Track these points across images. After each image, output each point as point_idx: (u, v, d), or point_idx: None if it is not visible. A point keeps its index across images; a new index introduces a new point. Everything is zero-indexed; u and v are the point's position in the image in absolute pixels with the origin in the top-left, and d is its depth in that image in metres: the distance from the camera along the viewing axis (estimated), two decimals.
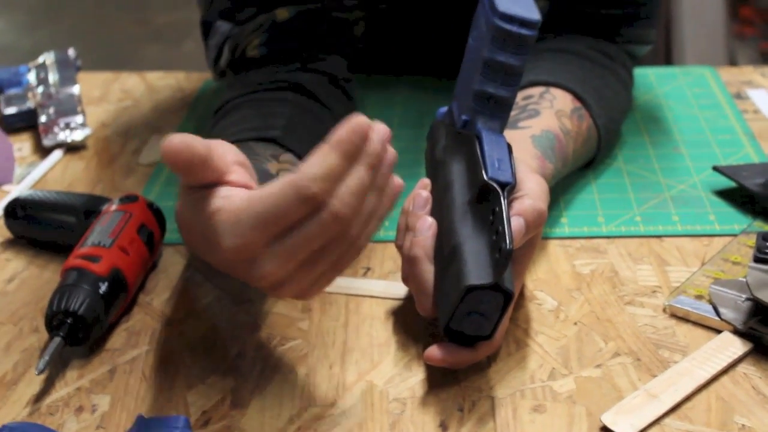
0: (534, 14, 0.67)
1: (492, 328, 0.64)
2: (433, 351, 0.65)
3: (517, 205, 0.65)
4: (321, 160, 0.57)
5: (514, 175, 0.66)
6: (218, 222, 0.59)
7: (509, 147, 0.68)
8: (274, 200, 0.57)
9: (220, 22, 0.91)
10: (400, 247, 0.70)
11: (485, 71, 0.68)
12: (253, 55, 0.91)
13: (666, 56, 2.37)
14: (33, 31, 3.70)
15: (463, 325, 0.64)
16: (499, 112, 0.69)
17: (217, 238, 0.59)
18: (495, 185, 0.64)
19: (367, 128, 0.58)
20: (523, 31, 0.67)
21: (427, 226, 0.68)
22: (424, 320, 0.72)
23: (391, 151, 0.61)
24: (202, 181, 0.61)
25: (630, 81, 0.94)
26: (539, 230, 0.67)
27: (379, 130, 0.59)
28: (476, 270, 0.62)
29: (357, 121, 0.58)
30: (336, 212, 0.57)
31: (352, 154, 0.57)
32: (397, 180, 0.62)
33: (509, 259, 0.59)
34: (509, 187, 0.64)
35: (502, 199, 0.63)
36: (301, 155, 0.77)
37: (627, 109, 0.94)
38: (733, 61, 2.40)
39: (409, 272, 0.68)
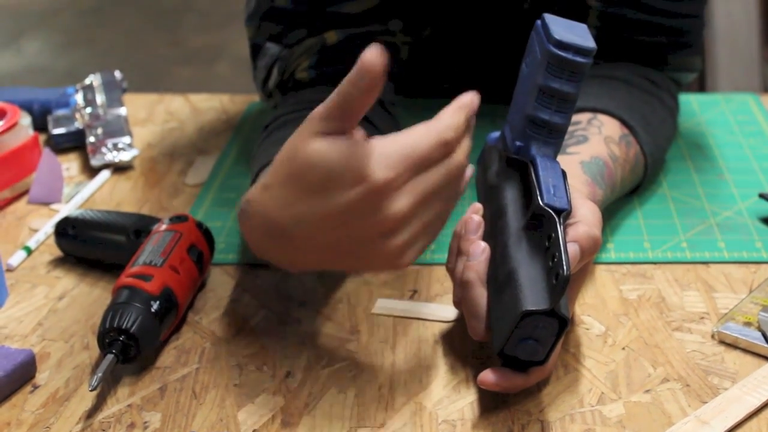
0: (589, 42, 0.68)
1: (546, 353, 0.64)
2: (487, 375, 0.65)
3: (571, 232, 0.66)
4: (453, 114, 0.65)
5: (569, 201, 0.66)
6: (368, 155, 0.61)
7: (564, 173, 0.68)
8: (419, 138, 0.63)
9: (270, 44, 0.92)
10: (452, 271, 0.71)
11: (540, 97, 0.69)
12: (302, 78, 0.92)
13: (700, 83, 2.36)
14: (69, 52, 3.74)
15: (518, 350, 0.64)
16: (553, 138, 0.70)
17: (364, 171, 0.61)
18: (551, 211, 0.64)
19: (477, 104, 0.67)
20: (579, 59, 0.67)
21: (480, 250, 0.68)
22: (473, 343, 0.72)
23: None
24: (349, 117, 0.62)
25: (676, 108, 0.95)
26: (592, 257, 0.68)
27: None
28: (532, 295, 0.63)
29: (474, 94, 0.67)
30: (460, 162, 0.65)
31: (469, 119, 0.66)
32: (471, 167, 0.68)
33: (566, 285, 0.60)
34: (565, 214, 0.65)
35: (558, 225, 0.63)
36: None
37: (673, 136, 0.94)
38: (767, 87, 2.39)
39: (462, 296, 0.69)
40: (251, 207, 0.66)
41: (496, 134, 0.77)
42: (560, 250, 0.61)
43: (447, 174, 0.64)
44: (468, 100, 0.67)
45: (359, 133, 0.63)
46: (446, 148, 0.64)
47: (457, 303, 0.71)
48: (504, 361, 0.65)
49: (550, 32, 0.68)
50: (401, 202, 0.62)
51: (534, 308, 0.62)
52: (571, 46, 0.67)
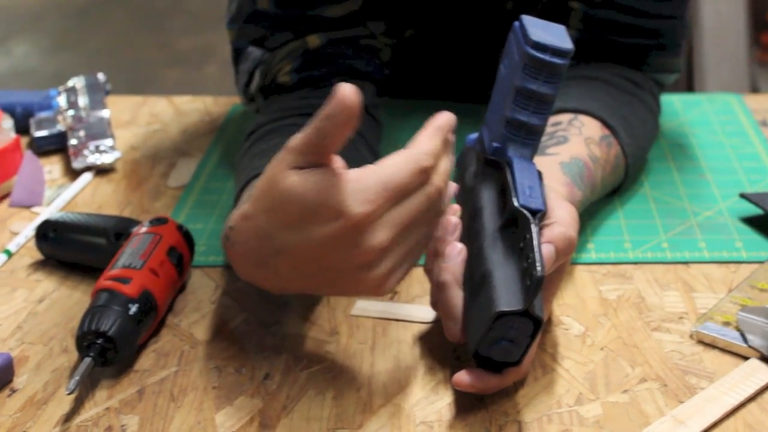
0: (566, 43, 0.68)
1: (521, 354, 0.64)
2: (462, 376, 0.65)
3: (547, 233, 0.66)
4: (429, 139, 0.64)
5: (544, 202, 0.66)
6: (345, 190, 0.61)
7: (540, 174, 0.69)
8: (397, 169, 0.62)
9: (252, 48, 0.92)
10: (429, 272, 0.71)
11: (517, 99, 0.69)
12: (284, 81, 0.92)
13: (688, 83, 2.37)
14: (56, 54, 3.74)
15: (492, 351, 0.64)
16: (530, 139, 0.70)
17: (341, 207, 0.61)
18: (526, 212, 0.64)
19: (454, 124, 0.67)
20: (556, 60, 0.67)
21: (456, 252, 0.68)
22: (451, 344, 0.72)
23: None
24: (325, 151, 0.62)
25: (657, 109, 0.95)
26: (568, 257, 0.68)
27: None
28: (507, 296, 0.63)
29: (450, 114, 0.67)
30: (439, 187, 0.64)
31: (446, 141, 0.65)
32: (453, 184, 0.68)
33: (540, 286, 0.60)
34: (540, 215, 0.65)
35: (533, 226, 0.63)
36: None
37: (654, 137, 0.94)
38: (755, 88, 2.40)
39: (438, 297, 0.69)
40: (234, 235, 0.67)
41: (474, 135, 0.77)
42: (534, 251, 0.61)
43: (427, 200, 0.64)
44: (444, 121, 0.66)
45: (337, 162, 0.63)
46: (424, 176, 0.63)
47: (434, 304, 0.71)
48: (479, 362, 0.65)
49: (528, 33, 0.68)
50: (380, 235, 0.62)
51: (508, 309, 0.62)
52: (548, 47, 0.67)
